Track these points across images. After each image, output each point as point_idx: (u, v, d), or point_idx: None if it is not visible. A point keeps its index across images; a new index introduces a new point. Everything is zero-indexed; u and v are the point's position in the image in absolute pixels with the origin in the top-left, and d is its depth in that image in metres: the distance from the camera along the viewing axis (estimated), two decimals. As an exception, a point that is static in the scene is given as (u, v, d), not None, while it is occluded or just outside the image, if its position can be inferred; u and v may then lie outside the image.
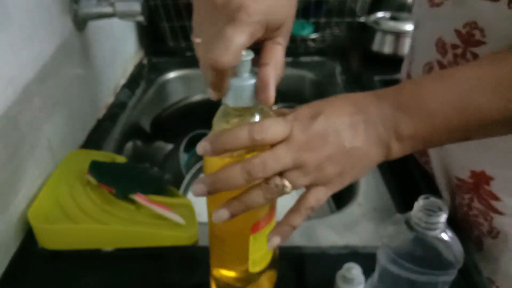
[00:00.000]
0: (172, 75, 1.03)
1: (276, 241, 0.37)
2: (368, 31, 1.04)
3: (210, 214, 0.41)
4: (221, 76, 0.33)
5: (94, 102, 0.80)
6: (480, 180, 0.53)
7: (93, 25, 0.76)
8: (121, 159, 0.65)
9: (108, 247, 0.54)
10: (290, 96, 1.02)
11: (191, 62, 1.06)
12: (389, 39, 1.01)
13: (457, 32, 0.49)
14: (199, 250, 0.54)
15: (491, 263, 0.56)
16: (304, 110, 0.37)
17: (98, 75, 0.81)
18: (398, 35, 0.99)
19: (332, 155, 0.35)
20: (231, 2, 0.32)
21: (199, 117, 0.76)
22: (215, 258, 0.44)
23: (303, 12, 1.08)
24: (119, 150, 0.77)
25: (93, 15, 0.72)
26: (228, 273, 0.44)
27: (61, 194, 0.57)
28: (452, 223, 0.40)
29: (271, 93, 0.34)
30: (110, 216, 0.54)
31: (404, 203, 0.61)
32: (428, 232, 0.38)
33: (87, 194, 0.57)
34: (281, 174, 0.35)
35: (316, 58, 1.07)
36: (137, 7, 0.72)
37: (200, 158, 0.73)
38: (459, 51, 0.50)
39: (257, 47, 0.36)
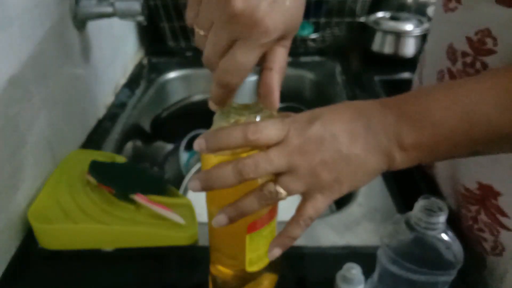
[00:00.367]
0: (172, 75, 1.03)
1: (277, 252, 0.37)
2: (368, 31, 1.04)
3: (209, 214, 0.41)
4: (228, 93, 0.33)
5: (94, 102, 0.80)
6: (488, 193, 0.51)
7: (93, 25, 0.76)
8: (121, 159, 0.65)
9: (108, 247, 0.54)
10: (290, 96, 1.02)
11: (191, 62, 1.06)
12: (389, 39, 1.00)
13: (468, 39, 0.48)
14: (199, 250, 0.54)
15: (496, 281, 0.53)
16: (303, 114, 0.36)
17: (98, 75, 0.81)
18: (398, 35, 0.99)
19: (326, 160, 0.34)
20: (249, 15, 0.30)
21: (199, 117, 0.76)
22: (214, 255, 0.44)
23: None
24: (119, 150, 0.77)
25: (93, 15, 0.72)
26: (225, 270, 0.44)
27: (61, 194, 0.57)
28: (456, 233, 0.40)
29: (276, 99, 0.34)
30: (110, 216, 0.54)
31: (404, 203, 0.61)
32: (428, 232, 0.38)
33: (87, 194, 0.57)
34: (275, 179, 0.35)
35: (316, 58, 1.07)
36: (137, 7, 0.72)
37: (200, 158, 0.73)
38: (468, 59, 0.49)
39: None
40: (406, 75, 0.98)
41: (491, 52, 0.46)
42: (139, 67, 1.03)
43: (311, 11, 1.06)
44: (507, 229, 0.50)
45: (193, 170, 0.80)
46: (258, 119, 0.36)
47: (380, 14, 1.06)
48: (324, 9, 1.08)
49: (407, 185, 0.63)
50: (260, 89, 0.34)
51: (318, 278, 0.50)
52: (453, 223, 0.39)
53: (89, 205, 0.55)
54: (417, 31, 0.99)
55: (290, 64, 1.05)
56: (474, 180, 0.52)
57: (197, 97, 1.03)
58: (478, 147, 0.36)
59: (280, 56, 0.35)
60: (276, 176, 0.35)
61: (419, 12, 1.08)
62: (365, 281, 0.45)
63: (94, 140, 0.76)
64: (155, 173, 0.61)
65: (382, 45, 1.01)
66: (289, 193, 0.35)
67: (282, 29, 0.32)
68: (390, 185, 0.64)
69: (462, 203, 0.56)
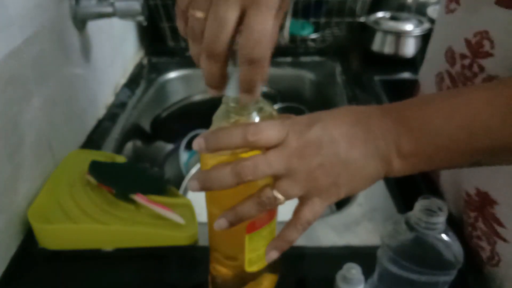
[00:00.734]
0: (172, 75, 1.03)
1: (274, 255, 0.37)
2: (368, 31, 1.04)
3: (209, 214, 0.41)
4: (262, 70, 0.32)
5: (94, 102, 0.80)
6: (485, 201, 0.50)
7: (93, 25, 0.76)
8: (121, 159, 0.65)
9: (108, 247, 0.54)
10: (290, 96, 1.02)
11: (191, 62, 1.05)
12: (389, 39, 1.00)
13: (467, 41, 0.48)
14: (199, 250, 0.54)
15: None
16: (304, 117, 0.36)
17: (98, 75, 0.81)
18: (398, 35, 1.00)
19: (324, 164, 0.34)
20: None
21: (199, 117, 0.76)
22: (213, 255, 0.44)
23: (303, 12, 1.08)
24: (119, 150, 0.77)
25: (93, 15, 0.73)
26: (225, 271, 0.44)
27: (61, 194, 0.57)
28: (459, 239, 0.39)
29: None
30: (110, 216, 0.54)
31: (404, 203, 0.61)
32: (428, 232, 0.38)
33: (87, 194, 0.57)
34: (273, 182, 0.34)
35: (316, 58, 1.07)
36: (137, 7, 0.72)
37: (200, 158, 0.73)
38: (466, 61, 0.48)
39: None
40: (406, 75, 0.98)
41: (488, 55, 0.46)
42: (139, 67, 1.03)
43: (311, 11, 1.06)
44: (503, 239, 0.48)
45: (193, 170, 0.80)
46: (257, 119, 0.36)
47: (380, 14, 1.06)
48: (324, 9, 1.08)
49: (407, 185, 0.63)
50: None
51: (318, 278, 0.50)
52: (454, 229, 0.38)
53: (89, 205, 0.55)
54: (417, 31, 0.99)
55: (290, 64, 1.05)
56: (473, 185, 0.51)
57: (197, 97, 1.03)
58: (478, 158, 0.36)
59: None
60: (274, 180, 0.35)
61: (419, 12, 1.08)
62: (365, 281, 0.45)
63: (94, 140, 0.76)
64: (155, 173, 0.61)
65: (382, 45, 1.02)
66: (287, 198, 0.35)
67: None
68: (390, 185, 0.64)
69: (463, 208, 0.55)
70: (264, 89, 1.02)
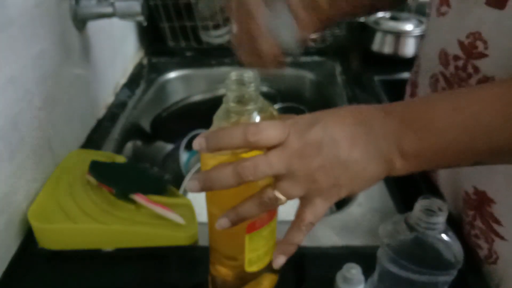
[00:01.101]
0: (172, 75, 1.03)
1: (282, 260, 0.37)
2: (368, 31, 1.04)
3: (209, 214, 0.41)
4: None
5: (94, 102, 0.80)
6: (483, 199, 0.50)
7: (93, 25, 0.76)
8: (121, 159, 0.65)
9: (108, 247, 0.54)
10: (290, 96, 1.02)
11: (191, 62, 1.06)
12: (389, 39, 1.01)
13: (460, 43, 0.48)
14: (199, 250, 0.54)
15: None
16: (305, 117, 0.36)
17: (98, 75, 0.81)
18: (398, 35, 1.00)
19: (325, 165, 0.34)
20: None
21: (199, 117, 0.76)
22: (214, 255, 0.44)
23: (303, 12, 1.08)
24: (119, 150, 0.77)
25: (93, 15, 0.73)
26: (225, 271, 0.44)
27: (61, 194, 0.57)
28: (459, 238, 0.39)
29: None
30: (110, 216, 0.54)
31: (404, 203, 0.61)
32: (428, 232, 0.38)
33: (87, 194, 0.57)
34: (274, 183, 0.35)
35: (316, 58, 1.07)
36: (137, 7, 0.72)
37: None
38: (460, 63, 0.49)
39: None
40: (406, 75, 0.97)
41: (482, 55, 0.46)
42: (139, 67, 1.03)
43: (311, 11, 1.06)
44: (501, 237, 0.49)
45: (193, 170, 0.80)
46: (258, 119, 0.36)
47: (380, 14, 1.06)
48: (324, 9, 1.08)
49: (407, 185, 0.63)
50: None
51: (318, 278, 0.50)
52: (453, 228, 0.38)
53: (89, 205, 0.55)
54: (417, 31, 0.99)
55: (290, 64, 1.05)
56: (471, 184, 0.51)
57: (197, 97, 1.03)
58: (479, 158, 0.36)
59: None
60: (275, 180, 0.35)
61: (419, 12, 1.08)
62: (365, 281, 0.45)
63: (94, 140, 0.76)
64: (155, 173, 0.61)
65: (382, 45, 1.02)
66: (288, 198, 0.35)
67: None
68: (390, 185, 0.64)
69: (461, 207, 0.55)
70: (264, 89, 1.02)
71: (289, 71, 1.05)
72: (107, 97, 0.86)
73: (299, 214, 0.36)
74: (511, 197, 0.47)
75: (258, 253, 0.41)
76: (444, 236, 0.38)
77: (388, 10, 1.02)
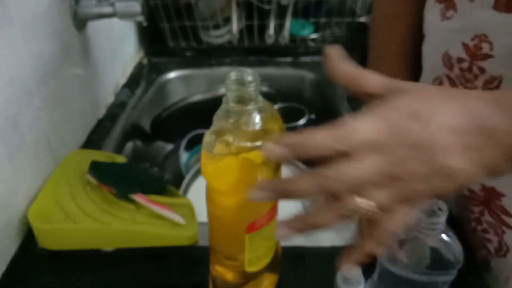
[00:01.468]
0: (172, 75, 1.03)
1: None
2: (368, 31, 1.04)
3: (209, 214, 0.41)
4: None
5: (94, 102, 0.80)
6: (491, 195, 0.51)
7: (93, 25, 0.76)
8: (121, 159, 0.65)
9: (108, 247, 0.54)
10: (290, 96, 1.02)
11: (191, 62, 1.06)
12: (389, 39, 1.00)
13: (464, 45, 0.48)
14: (199, 250, 0.54)
15: (501, 283, 0.53)
16: (401, 106, 0.29)
17: (98, 75, 0.81)
18: (398, 35, 0.99)
19: (426, 174, 0.28)
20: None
21: (199, 117, 0.76)
22: (214, 255, 0.44)
23: (303, 12, 1.08)
24: (119, 150, 0.77)
25: (93, 15, 0.73)
26: (225, 271, 0.44)
27: (61, 194, 0.57)
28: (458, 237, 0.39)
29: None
30: (110, 216, 0.54)
31: (404, 203, 0.61)
32: (428, 232, 0.38)
33: (87, 194, 0.57)
34: (360, 191, 0.30)
35: (316, 58, 1.07)
36: (137, 7, 0.72)
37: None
38: (465, 65, 0.49)
39: None
40: (406, 75, 0.98)
41: (487, 56, 0.46)
42: (139, 67, 1.03)
43: (311, 11, 1.06)
44: None
45: (193, 170, 0.80)
46: (258, 119, 0.36)
47: (380, 14, 1.05)
48: (324, 9, 1.08)
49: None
50: None
51: (318, 278, 0.50)
52: (455, 227, 0.38)
53: (89, 205, 0.55)
54: (417, 31, 0.98)
55: (290, 64, 1.05)
56: (478, 182, 0.52)
57: (197, 97, 1.03)
58: None
59: None
60: (362, 188, 0.29)
61: (419, 12, 1.08)
62: (365, 281, 0.45)
63: (94, 140, 0.76)
64: (155, 173, 0.61)
65: (382, 45, 1.01)
66: (382, 210, 0.29)
67: None
68: (390, 185, 0.64)
69: (464, 206, 0.55)
70: (264, 89, 1.02)
71: (289, 71, 1.05)
72: (107, 97, 0.86)
73: (381, 223, 0.33)
74: None
75: (258, 253, 0.41)
76: (444, 236, 0.38)
77: None
